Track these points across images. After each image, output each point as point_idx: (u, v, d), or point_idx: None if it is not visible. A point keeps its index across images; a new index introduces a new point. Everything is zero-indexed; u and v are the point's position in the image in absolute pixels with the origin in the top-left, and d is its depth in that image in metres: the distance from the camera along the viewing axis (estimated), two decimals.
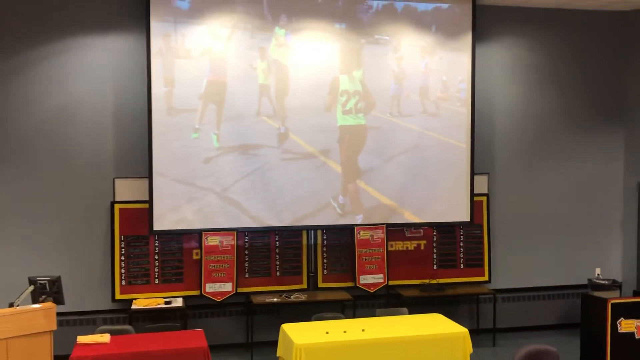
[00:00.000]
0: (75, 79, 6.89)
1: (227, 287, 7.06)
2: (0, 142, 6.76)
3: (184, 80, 6.93)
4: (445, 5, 7.49)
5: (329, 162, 7.36)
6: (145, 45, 6.84)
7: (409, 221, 7.55)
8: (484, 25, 7.74)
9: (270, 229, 7.21)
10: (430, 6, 7.45)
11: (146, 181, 6.93)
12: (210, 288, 7.01)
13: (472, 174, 7.65)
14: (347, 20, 7.28)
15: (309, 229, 7.33)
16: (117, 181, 6.97)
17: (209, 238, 6.99)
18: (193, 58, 6.95)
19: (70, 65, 6.88)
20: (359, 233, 7.35)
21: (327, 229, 7.41)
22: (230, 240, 7.03)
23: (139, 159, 6.98)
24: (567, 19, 8.03)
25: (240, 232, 7.11)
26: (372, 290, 7.40)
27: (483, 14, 7.69)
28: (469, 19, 7.53)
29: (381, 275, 7.41)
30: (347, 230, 7.45)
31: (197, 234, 7.04)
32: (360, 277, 7.36)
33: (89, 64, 6.92)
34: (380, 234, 7.38)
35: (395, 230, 7.57)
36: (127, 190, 6.98)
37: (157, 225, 6.89)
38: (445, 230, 7.74)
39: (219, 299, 7.04)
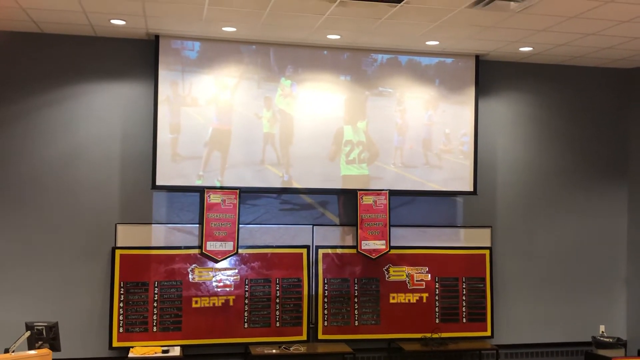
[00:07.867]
0: (82, 124, 6.96)
1: (229, 246, 6.95)
2: (4, 185, 6.79)
3: (189, 127, 7.00)
4: (449, 60, 7.61)
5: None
6: (152, 93, 6.94)
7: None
8: (487, 79, 7.85)
9: (273, 189, 7.16)
10: (434, 60, 7.57)
11: (148, 227, 6.93)
12: (211, 246, 6.91)
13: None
14: (352, 73, 7.39)
15: (311, 192, 7.30)
16: (119, 227, 6.96)
17: (211, 196, 6.90)
18: (199, 106, 7.03)
19: (78, 111, 6.95)
20: (362, 198, 7.27)
21: (329, 192, 7.35)
22: (232, 199, 6.93)
23: (142, 205, 6.99)
24: (570, 75, 8.13)
25: (242, 191, 7.03)
26: (373, 256, 7.27)
27: (486, 69, 7.81)
28: (472, 73, 7.64)
29: (383, 242, 7.29)
30: (349, 282, 7.39)
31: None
32: (362, 242, 7.25)
33: (96, 110, 6.99)
34: (383, 200, 7.27)
35: (398, 283, 7.50)
36: (129, 236, 6.97)
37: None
38: (448, 283, 7.67)
39: (219, 258, 6.94)
